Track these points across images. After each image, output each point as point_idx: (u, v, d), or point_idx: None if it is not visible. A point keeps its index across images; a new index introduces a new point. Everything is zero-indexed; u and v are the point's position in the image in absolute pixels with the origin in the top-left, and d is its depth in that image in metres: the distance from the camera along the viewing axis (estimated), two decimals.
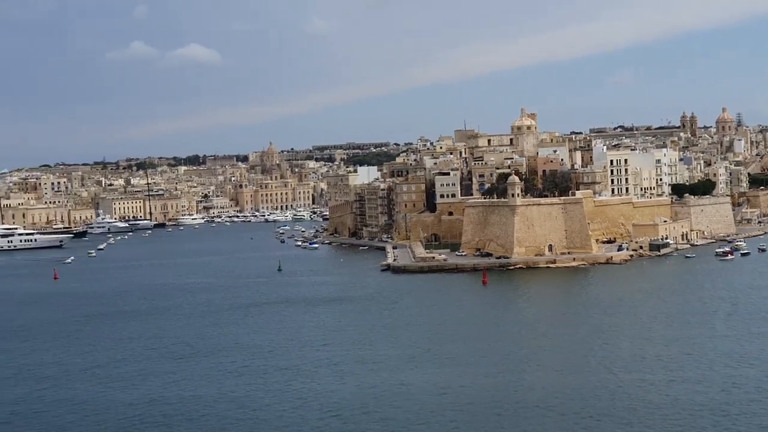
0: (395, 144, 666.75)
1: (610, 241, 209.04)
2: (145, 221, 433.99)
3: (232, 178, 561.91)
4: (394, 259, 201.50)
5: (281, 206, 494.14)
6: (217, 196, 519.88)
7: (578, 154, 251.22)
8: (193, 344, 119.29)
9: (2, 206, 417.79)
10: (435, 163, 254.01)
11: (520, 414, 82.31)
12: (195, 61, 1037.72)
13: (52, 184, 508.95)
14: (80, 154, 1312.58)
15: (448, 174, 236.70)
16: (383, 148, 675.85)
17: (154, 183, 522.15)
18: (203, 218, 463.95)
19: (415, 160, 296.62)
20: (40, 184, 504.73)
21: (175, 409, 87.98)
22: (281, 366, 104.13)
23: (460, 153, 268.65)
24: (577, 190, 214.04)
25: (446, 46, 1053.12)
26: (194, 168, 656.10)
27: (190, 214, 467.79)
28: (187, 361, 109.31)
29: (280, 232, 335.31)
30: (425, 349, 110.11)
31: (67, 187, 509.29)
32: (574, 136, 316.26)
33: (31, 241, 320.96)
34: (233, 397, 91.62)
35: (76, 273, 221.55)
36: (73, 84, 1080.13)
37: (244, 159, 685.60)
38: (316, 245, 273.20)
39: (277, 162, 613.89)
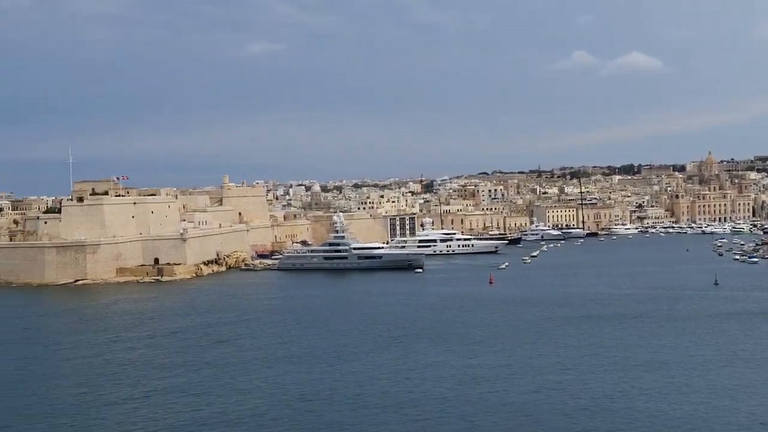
0: None
1: None
2: (578, 230, 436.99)
3: (668, 188, 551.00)
4: None
5: (719, 218, 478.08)
6: (652, 206, 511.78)
7: None
8: (644, 354, 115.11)
9: (442, 212, 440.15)
10: None
11: None
12: (636, 69, 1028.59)
13: (489, 191, 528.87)
14: (516, 162, 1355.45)
15: None
16: None
17: (588, 192, 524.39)
18: (636, 228, 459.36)
19: None
20: (478, 191, 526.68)
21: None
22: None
23: None
24: None
25: None
26: (628, 177, 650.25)
27: (623, 224, 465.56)
28: (651, 370, 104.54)
29: (718, 244, 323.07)
30: None
31: (503, 195, 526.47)
32: None
33: (468, 246, 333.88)
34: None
35: (511, 278, 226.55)
36: (509, 94, 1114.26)
37: (681, 169, 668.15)
38: (755, 259, 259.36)
39: (716, 172, 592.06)
